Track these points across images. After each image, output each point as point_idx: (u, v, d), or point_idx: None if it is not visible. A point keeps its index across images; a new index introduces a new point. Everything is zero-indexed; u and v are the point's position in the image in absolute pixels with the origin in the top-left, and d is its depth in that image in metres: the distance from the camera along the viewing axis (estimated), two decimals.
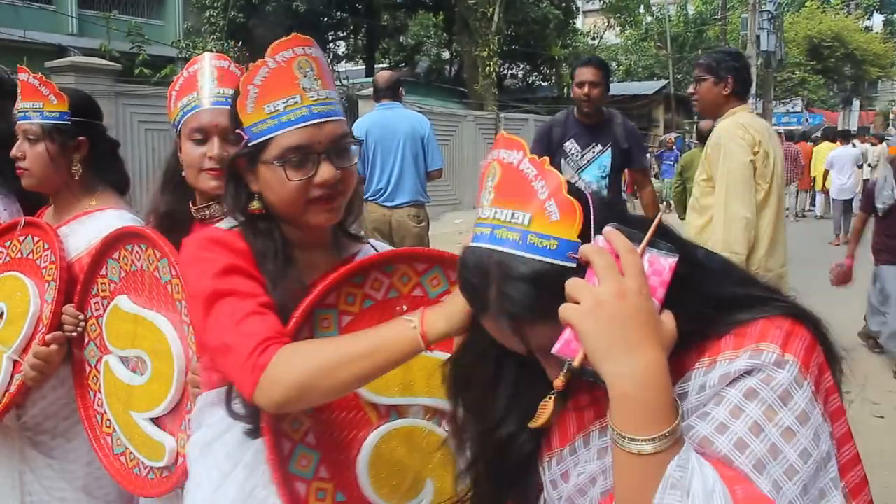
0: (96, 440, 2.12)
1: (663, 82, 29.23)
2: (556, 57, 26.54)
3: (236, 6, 20.34)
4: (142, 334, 2.01)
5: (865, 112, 49.11)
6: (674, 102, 27.75)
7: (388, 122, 6.08)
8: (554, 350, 1.01)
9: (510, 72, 29.12)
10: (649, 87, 29.32)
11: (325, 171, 1.51)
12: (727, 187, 3.97)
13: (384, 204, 6.06)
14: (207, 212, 2.07)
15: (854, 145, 16.95)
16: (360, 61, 29.48)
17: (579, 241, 1.02)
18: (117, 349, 2.08)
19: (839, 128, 23.35)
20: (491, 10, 21.92)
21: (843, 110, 47.29)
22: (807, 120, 33.97)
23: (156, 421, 1.98)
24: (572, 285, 0.98)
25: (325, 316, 1.53)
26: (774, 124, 29.80)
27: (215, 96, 2.03)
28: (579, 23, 31.74)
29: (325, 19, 25.56)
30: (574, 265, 1.01)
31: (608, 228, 1.01)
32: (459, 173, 16.95)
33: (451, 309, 1.30)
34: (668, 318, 1.00)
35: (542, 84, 29.76)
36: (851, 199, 14.73)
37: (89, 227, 2.28)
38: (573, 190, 1.05)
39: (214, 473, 1.55)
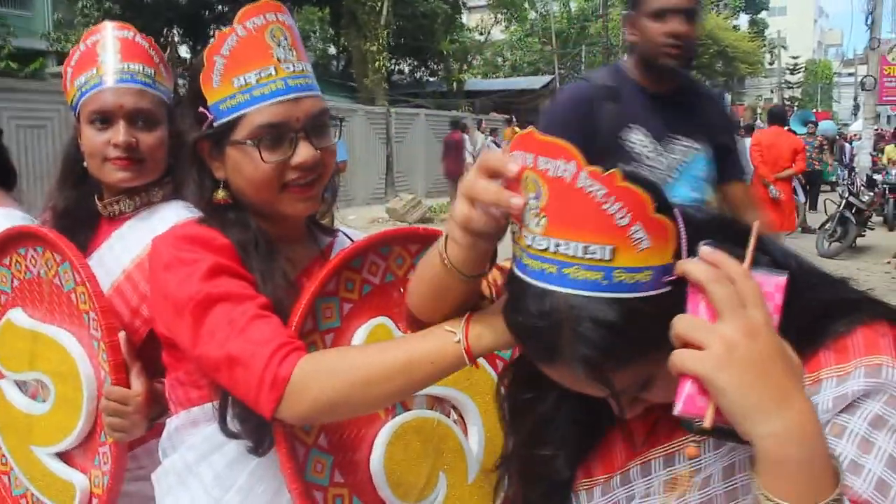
0: None
1: (549, 77, 29.67)
2: (444, 52, 26.54)
3: None
4: (42, 354, 1.72)
5: (735, 106, 51.61)
6: None
7: None
8: (676, 411, 0.80)
9: (397, 67, 28.99)
10: (536, 81, 29.75)
11: (304, 152, 1.37)
12: None
13: None
14: (116, 207, 1.81)
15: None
16: None
17: (673, 261, 0.84)
18: (12, 372, 1.78)
19: None
20: (379, 3, 21.72)
21: None
22: None
23: (62, 456, 1.70)
24: (687, 326, 0.79)
25: (328, 305, 1.41)
26: None
27: (119, 73, 1.76)
28: (465, 18, 31.90)
29: (207, 12, 24.71)
30: (669, 289, 0.84)
31: (707, 249, 0.82)
32: (352, 169, 16.65)
33: (500, 319, 1.03)
34: (790, 349, 0.81)
35: (430, 79, 29.76)
36: None
37: None
38: (658, 201, 0.84)
39: (202, 499, 1.40)
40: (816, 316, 0.92)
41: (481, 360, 1.55)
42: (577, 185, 0.82)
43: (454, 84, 27.64)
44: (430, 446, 1.51)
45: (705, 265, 0.80)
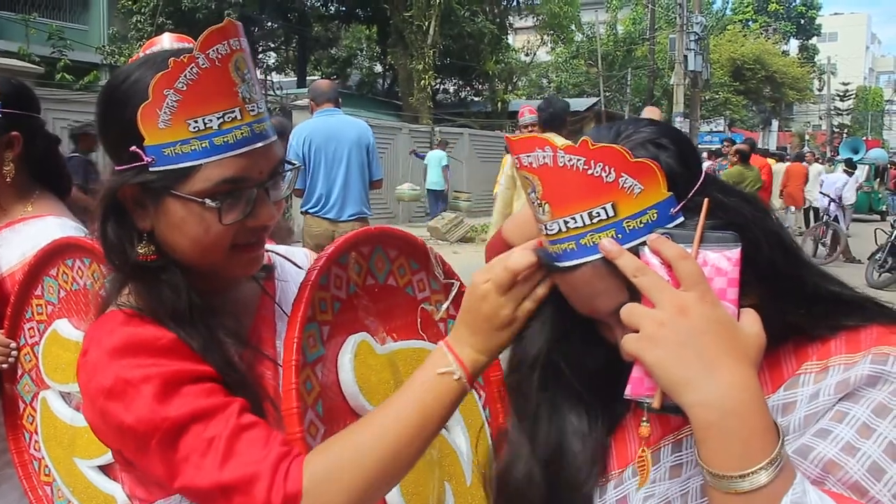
0: (33, 491, 1.81)
1: (594, 99, 29.56)
2: (490, 72, 26.60)
3: (165, 12, 19.77)
4: None
5: (783, 133, 51.07)
6: (604, 119, 28.13)
7: (332, 128, 5.79)
8: (626, 394, 0.88)
9: (443, 86, 29.15)
10: (581, 103, 29.64)
11: (264, 212, 1.18)
12: None
13: (328, 217, 5.73)
14: None
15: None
16: (291, 72, 29.10)
17: (672, 194, 0.90)
18: (57, 384, 1.77)
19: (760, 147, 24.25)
20: (427, 23, 21.88)
21: (763, 130, 48.99)
22: (729, 139, 34.98)
23: (104, 469, 1.68)
24: (626, 313, 0.86)
25: (309, 333, 1.25)
26: (699, 143, 30.72)
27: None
28: (511, 39, 31.99)
29: (256, 29, 25.10)
30: (682, 219, 0.90)
31: (652, 237, 0.88)
32: (395, 187, 16.71)
33: (487, 341, 1.09)
34: (750, 321, 0.86)
35: (475, 99, 29.84)
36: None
37: (24, 236, 1.96)
38: (636, 145, 0.92)
39: None
40: (830, 305, 0.94)
41: None
42: (559, 164, 0.90)
43: (499, 104, 27.67)
44: (430, 458, 1.44)
45: (633, 260, 0.87)
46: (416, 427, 1.07)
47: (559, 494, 1.09)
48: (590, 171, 0.89)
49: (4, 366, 1.86)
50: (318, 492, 1.03)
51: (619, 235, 0.89)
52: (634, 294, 0.89)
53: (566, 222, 0.91)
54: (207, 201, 1.12)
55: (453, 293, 1.46)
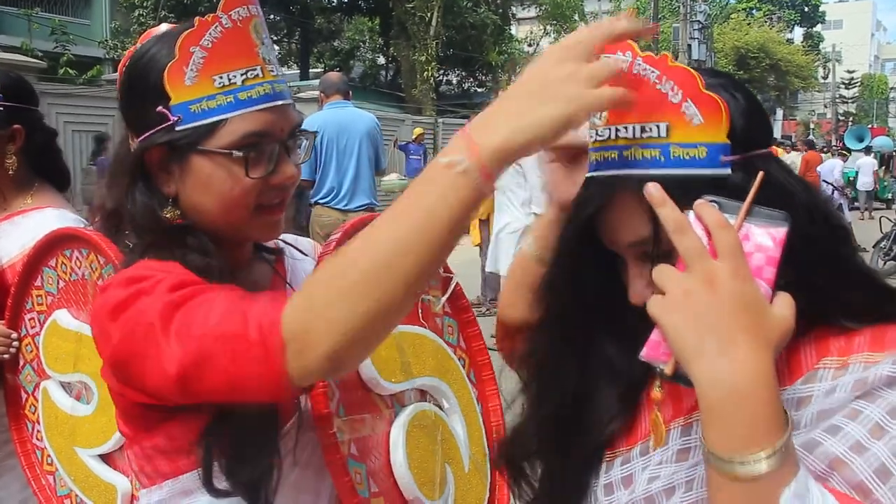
0: (36, 480, 1.83)
1: None
2: (493, 63, 26.55)
3: (167, 6, 19.78)
4: (85, 355, 1.72)
5: (788, 122, 50.87)
6: None
7: (343, 121, 5.87)
8: (641, 355, 0.86)
9: (446, 77, 29.11)
10: None
11: (287, 169, 1.21)
12: None
13: (338, 207, 5.82)
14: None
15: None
16: (294, 65, 29.08)
17: (730, 142, 0.87)
18: (57, 373, 1.79)
19: None
20: (430, 14, 21.85)
21: None
22: None
23: (105, 458, 1.70)
24: (657, 273, 0.83)
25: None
26: None
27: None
28: (514, 30, 31.91)
29: None
30: (729, 171, 0.87)
31: (699, 201, 0.84)
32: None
33: (522, 113, 0.87)
34: (783, 304, 0.82)
35: (478, 90, 29.79)
36: None
37: (23, 228, 1.99)
38: (709, 84, 0.88)
39: None
40: (865, 299, 0.91)
41: (442, 344, 1.52)
42: (633, 71, 0.88)
43: None
44: (433, 439, 1.47)
45: (678, 216, 0.82)
46: (417, 227, 0.87)
47: (570, 440, 1.07)
48: (658, 86, 0.87)
49: (6, 356, 1.87)
50: (300, 311, 0.95)
51: (662, 158, 0.88)
52: (656, 231, 0.87)
53: (618, 130, 0.90)
54: (235, 152, 1.15)
55: (451, 288, 1.50)
